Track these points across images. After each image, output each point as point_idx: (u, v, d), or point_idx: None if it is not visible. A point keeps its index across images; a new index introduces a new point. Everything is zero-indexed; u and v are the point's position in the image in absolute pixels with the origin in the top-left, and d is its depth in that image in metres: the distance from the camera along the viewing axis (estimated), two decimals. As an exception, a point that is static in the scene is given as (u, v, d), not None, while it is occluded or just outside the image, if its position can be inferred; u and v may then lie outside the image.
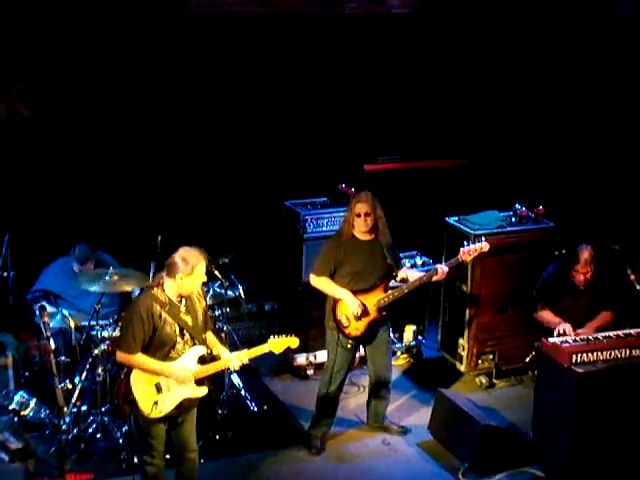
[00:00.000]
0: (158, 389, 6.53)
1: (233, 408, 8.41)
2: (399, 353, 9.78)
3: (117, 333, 8.01)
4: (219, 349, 6.80)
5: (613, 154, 10.23)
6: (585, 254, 8.06)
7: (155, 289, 6.50)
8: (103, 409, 7.98)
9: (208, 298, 8.62)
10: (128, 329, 6.46)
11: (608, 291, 8.19)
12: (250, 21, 9.99)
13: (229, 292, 8.68)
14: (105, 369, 7.93)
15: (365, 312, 7.79)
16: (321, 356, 9.03)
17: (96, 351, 7.90)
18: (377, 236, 7.84)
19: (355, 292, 7.79)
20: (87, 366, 8.03)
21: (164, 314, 6.43)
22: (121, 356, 6.49)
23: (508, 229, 9.20)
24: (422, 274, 8.05)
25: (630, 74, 10.04)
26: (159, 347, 6.48)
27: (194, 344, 6.60)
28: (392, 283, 8.03)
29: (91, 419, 7.99)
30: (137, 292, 8.43)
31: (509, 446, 7.83)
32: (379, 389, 8.26)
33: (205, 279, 6.56)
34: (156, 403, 6.51)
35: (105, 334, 7.97)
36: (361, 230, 7.78)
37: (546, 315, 8.22)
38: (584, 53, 10.38)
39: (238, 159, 10.20)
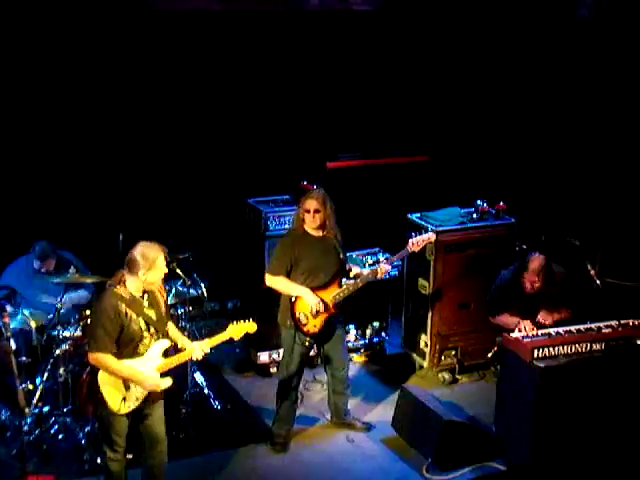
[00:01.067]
0: (126, 386, 6.56)
1: (196, 407, 8.39)
2: (362, 350, 9.79)
3: (79, 333, 8.00)
4: (182, 340, 6.85)
5: (572, 150, 10.31)
6: (534, 263, 8.10)
7: (117, 287, 6.49)
8: (65, 410, 7.93)
9: (171, 297, 8.62)
10: (98, 330, 6.44)
11: (562, 298, 8.25)
12: (212, 19, 9.96)
13: (191, 291, 8.67)
14: (67, 369, 7.87)
15: (325, 307, 7.82)
16: (284, 354, 9.04)
17: (57, 351, 7.84)
18: (328, 232, 7.86)
19: (312, 289, 7.80)
20: (48, 366, 7.95)
21: (129, 311, 6.45)
22: (93, 357, 6.46)
23: (469, 225, 9.25)
24: (369, 270, 8.14)
25: (588, 71, 10.12)
26: (127, 344, 6.50)
27: (158, 337, 6.63)
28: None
29: (53, 420, 7.92)
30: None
31: (472, 441, 7.87)
32: (337, 386, 8.28)
33: (166, 270, 6.58)
34: (124, 399, 6.56)
35: (66, 334, 7.91)
36: (310, 226, 7.79)
37: (503, 318, 8.26)
38: (544, 50, 10.46)
39: (200, 157, 10.18)
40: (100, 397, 6.52)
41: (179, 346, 6.81)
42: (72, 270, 8.04)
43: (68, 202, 9.59)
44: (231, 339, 6.90)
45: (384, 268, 8.00)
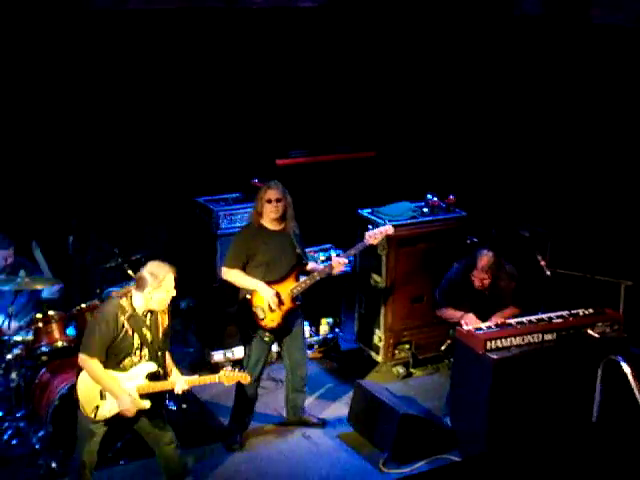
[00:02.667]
0: (102, 395, 6.58)
1: (151, 407, 8.35)
2: (316, 346, 9.80)
3: (30, 337, 7.95)
4: (171, 369, 6.87)
5: (519, 141, 10.40)
6: (483, 261, 8.20)
7: (123, 299, 6.54)
8: (18, 415, 7.86)
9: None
10: (93, 334, 6.49)
11: (511, 293, 8.33)
12: (156, 17, 9.90)
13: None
14: (19, 374, 7.80)
15: (280, 302, 7.81)
16: (238, 352, 9.03)
17: (9, 356, 7.78)
18: (286, 226, 7.87)
19: (268, 283, 7.80)
20: (0, 371, 7.86)
21: (127, 325, 6.49)
22: (82, 358, 6.52)
23: (420, 219, 9.29)
24: (326, 264, 8.20)
25: (531, 65, 10.22)
26: (114, 354, 6.54)
27: (149, 359, 6.64)
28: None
29: (6, 425, 7.85)
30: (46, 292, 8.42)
31: (428, 434, 7.92)
32: (296, 383, 8.27)
33: (174, 293, 6.60)
34: (97, 407, 6.59)
35: (18, 338, 7.86)
36: (271, 217, 7.79)
37: (447, 312, 8.34)
38: (485, 44, 10.56)
39: (148, 156, 10.11)
40: (76, 398, 6.60)
41: (166, 373, 6.81)
42: (22, 274, 7.96)
43: (16, 205, 9.49)
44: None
45: (340, 262, 8.01)
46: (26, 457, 7.69)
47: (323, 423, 8.46)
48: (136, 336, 6.54)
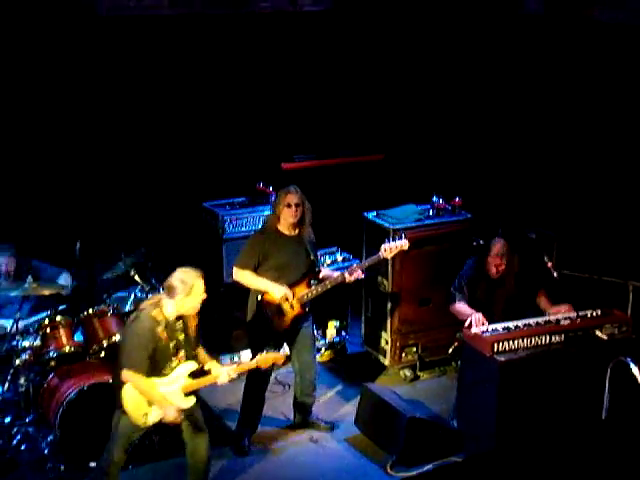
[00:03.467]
0: (149, 402, 6.68)
1: (159, 412, 8.36)
2: (323, 349, 9.79)
3: (38, 342, 7.98)
4: (210, 364, 6.98)
5: (526, 144, 10.39)
6: (497, 246, 8.17)
7: (155, 310, 6.60)
8: (27, 420, 7.88)
9: (129, 303, 8.60)
10: (134, 350, 6.58)
11: (525, 281, 8.31)
12: (163, 23, 9.92)
13: (150, 296, 8.60)
14: (28, 379, 7.83)
15: (290, 305, 7.81)
16: (245, 356, 9.01)
17: (18, 361, 7.81)
18: (301, 232, 7.87)
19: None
20: (9, 377, 7.91)
21: (162, 334, 6.58)
22: (128, 374, 6.58)
23: (426, 222, 9.27)
24: (338, 273, 8.12)
25: (536, 65, 10.21)
26: (155, 365, 6.64)
27: (186, 359, 6.76)
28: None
29: (15, 430, 7.87)
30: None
31: (435, 437, 7.91)
32: (305, 387, 8.27)
33: (204, 296, 6.70)
34: (146, 414, 6.71)
35: (26, 344, 7.88)
36: (289, 222, 7.79)
37: (460, 307, 8.28)
38: (492, 45, 10.54)
39: (155, 161, 10.14)
40: (123, 409, 6.68)
41: (205, 369, 6.94)
42: (29, 280, 7.97)
43: (24, 208, 9.51)
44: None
45: (354, 273, 7.99)
46: (35, 462, 7.72)
47: (331, 427, 8.46)
48: (172, 342, 6.65)
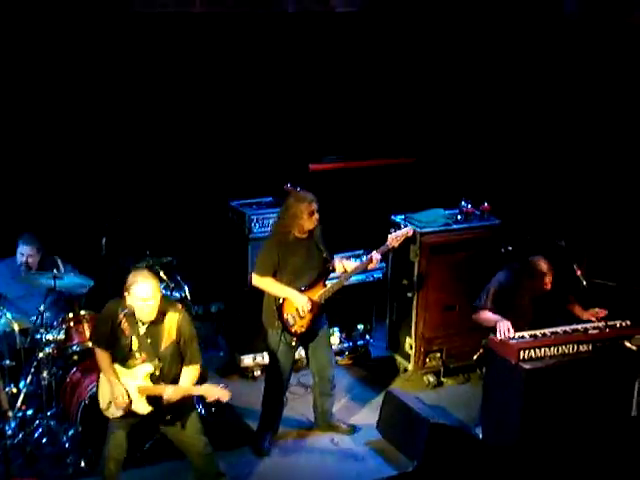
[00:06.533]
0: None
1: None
2: (347, 353, 9.75)
3: (62, 336, 7.99)
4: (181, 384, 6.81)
5: (557, 150, 10.31)
6: (542, 265, 8.02)
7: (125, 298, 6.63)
8: (49, 413, 7.89)
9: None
10: (96, 324, 6.98)
11: (555, 289, 8.22)
12: (193, 21, 9.91)
13: (175, 294, 8.64)
14: (50, 372, 7.83)
15: (311, 309, 7.81)
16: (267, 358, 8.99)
17: (41, 354, 7.80)
18: (312, 233, 7.86)
19: (298, 290, 7.81)
20: (32, 370, 7.91)
21: (124, 324, 6.60)
22: (93, 348, 6.89)
23: (454, 227, 9.23)
24: (357, 264, 8.15)
25: (575, 68, 10.13)
26: (117, 352, 6.69)
27: (148, 362, 6.71)
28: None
29: (37, 423, 7.89)
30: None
31: (458, 444, 7.84)
32: (323, 387, 8.26)
33: (151, 303, 6.56)
34: (110, 403, 6.71)
35: (50, 337, 7.88)
36: (310, 227, 7.77)
37: (485, 315, 8.16)
38: (530, 49, 10.46)
39: (183, 159, 10.13)
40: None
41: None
42: (52, 275, 7.96)
43: (51, 206, 9.52)
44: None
45: (376, 258, 7.99)
46: (55, 455, 7.75)
47: (352, 429, 8.43)
48: (134, 337, 6.63)
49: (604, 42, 9.77)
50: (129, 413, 6.71)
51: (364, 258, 9.59)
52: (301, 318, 7.83)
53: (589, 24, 9.95)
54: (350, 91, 10.84)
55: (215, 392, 6.73)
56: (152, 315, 6.60)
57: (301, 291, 7.80)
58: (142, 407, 6.69)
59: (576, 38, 10.02)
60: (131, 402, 6.67)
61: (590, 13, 10.03)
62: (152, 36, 9.70)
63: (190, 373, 6.81)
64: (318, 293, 7.88)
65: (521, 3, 10.46)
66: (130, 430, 6.88)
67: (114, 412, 6.73)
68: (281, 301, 7.83)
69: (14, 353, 7.95)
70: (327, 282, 7.98)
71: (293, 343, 7.94)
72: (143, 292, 6.52)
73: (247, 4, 10.27)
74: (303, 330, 7.89)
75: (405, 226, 8.46)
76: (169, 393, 6.63)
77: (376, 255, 8.00)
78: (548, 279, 8.06)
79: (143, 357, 6.66)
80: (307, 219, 7.74)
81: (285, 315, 7.84)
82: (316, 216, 7.76)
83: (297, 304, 7.77)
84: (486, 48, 10.78)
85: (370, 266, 8.07)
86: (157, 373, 6.69)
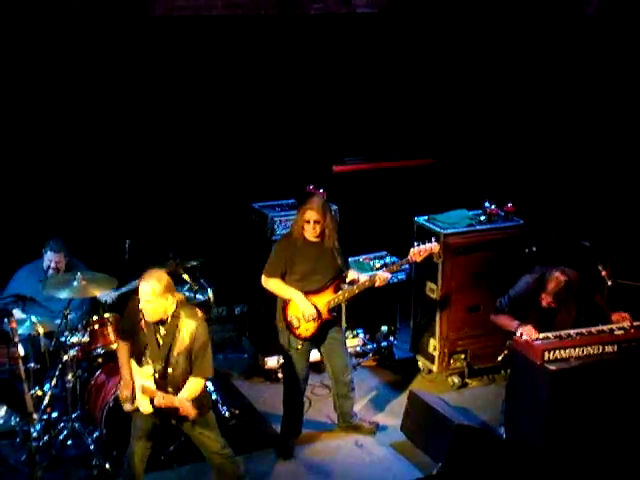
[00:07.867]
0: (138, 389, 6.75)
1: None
2: (371, 354, 9.74)
3: (86, 339, 8.00)
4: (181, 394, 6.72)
5: (581, 150, 10.27)
6: (552, 284, 7.85)
7: None
8: (74, 416, 7.92)
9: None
10: (121, 318, 7.16)
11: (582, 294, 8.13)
12: (215, 24, 9.91)
13: (198, 296, 8.63)
14: (75, 375, 7.87)
15: (318, 315, 7.79)
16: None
17: (65, 357, 7.82)
18: (324, 239, 7.79)
19: (306, 293, 7.78)
20: (57, 372, 7.95)
21: (142, 322, 6.61)
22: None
23: (478, 228, 9.20)
24: (366, 278, 8.01)
25: (596, 69, 10.08)
26: (134, 347, 6.76)
27: (153, 364, 6.70)
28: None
29: (62, 426, 7.91)
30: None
31: (482, 445, 7.82)
32: (340, 389, 8.25)
33: (148, 305, 6.52)
34: (125, 397, 6.87)
35: (74, 340, 7.89)
36: (309, 236, 7.74)
37: (503, 319, 8.08)
38: (552, 49, 10.42)
39: (205, 162, 10.13)
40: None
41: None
42: (78, 276, 7.97)
43: (75, 209, 9.55)
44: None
45: (383, 277, 7.94)
46: (80, 458, 7.78)
47: (376, 426, 8.43)
48: (148, 331, 6.62)
49: (627, 42, 9.73)
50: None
51: (387, 260, 9.67)
52: (306, 322, 7.81)
53: (610, 24, 9.90)
54: (373, 92, 10.82)
55: (185, 408, 6.58)
56: (153, 316, 6.55)
57: (306, 295, 7.78)
58: (145, 406, 6.69)
59: (598, 38, 9.98)
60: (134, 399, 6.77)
61: (611, 13, 9.98)
62: (172, 40, 9.69)
63: (192, 385, 6.69)
64: (326, 299, 7.83)
65: (544, 3, 10.40)
66: (152, 433, 6.88)
67: (126, 406, 6.85)
68: (285, 302, 7.83)
69: (39, 356, 7.96)
70: (339, 290, 7.90)
71: (299, 347, 7.89)
72: (141, 292, 6.51)
73: (268, 6, 10.26)
74: (308, 334, 7.86)
75: (430, 241, 8.20)
76: (159, 399, 6.60)
77: (382, 275, 7.93)
78: (548, 300, 7.88)
79: (149, 357, 6.67)
80: (304, 225, 7.70)
81: (289, 317, 7.82)
82: (312, 226, 7.66)
83: (301, 308, 7.76)
84: (509, 48, 10.74)
85: (377, 284, 7.95)
86: (157, 376, 6.67)
